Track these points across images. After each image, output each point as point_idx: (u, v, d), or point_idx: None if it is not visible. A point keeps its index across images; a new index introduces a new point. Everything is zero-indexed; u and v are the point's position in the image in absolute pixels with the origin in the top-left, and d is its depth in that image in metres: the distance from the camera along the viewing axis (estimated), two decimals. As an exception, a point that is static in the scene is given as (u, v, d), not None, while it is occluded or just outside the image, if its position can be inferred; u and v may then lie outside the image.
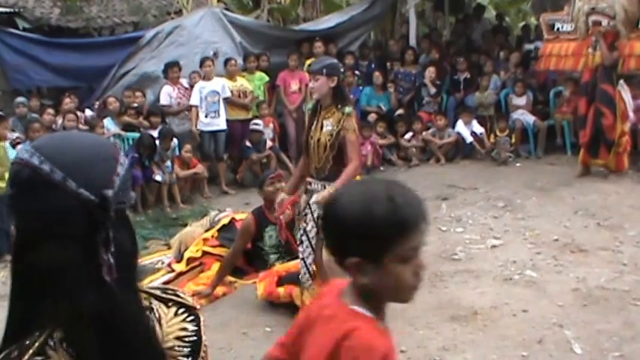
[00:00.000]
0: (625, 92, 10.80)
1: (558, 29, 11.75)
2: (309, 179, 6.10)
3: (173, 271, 7.88)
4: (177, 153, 11.16)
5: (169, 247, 8.59)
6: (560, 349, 5.71)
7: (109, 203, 1.43)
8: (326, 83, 5.86)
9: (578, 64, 11.25)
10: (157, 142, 10.87)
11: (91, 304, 1.39)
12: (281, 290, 6.60)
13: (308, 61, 13.02)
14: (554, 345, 5.77)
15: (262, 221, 7.37)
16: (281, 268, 6.97)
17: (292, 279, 6.59)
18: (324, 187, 5.91)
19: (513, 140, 12.88)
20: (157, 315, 1.56)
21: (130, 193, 1.59)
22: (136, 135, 11.01)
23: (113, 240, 1.43)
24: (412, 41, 15.45)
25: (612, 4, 10.75)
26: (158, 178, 10.51)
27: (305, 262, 6.23)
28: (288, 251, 7.35)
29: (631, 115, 10.91)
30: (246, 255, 7.62)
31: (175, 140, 11.22)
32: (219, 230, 8.00)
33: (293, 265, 6.91)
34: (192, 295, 6.13)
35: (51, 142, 1.51)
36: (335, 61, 6.47)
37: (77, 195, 1.42)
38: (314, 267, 6.20)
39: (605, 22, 10.81)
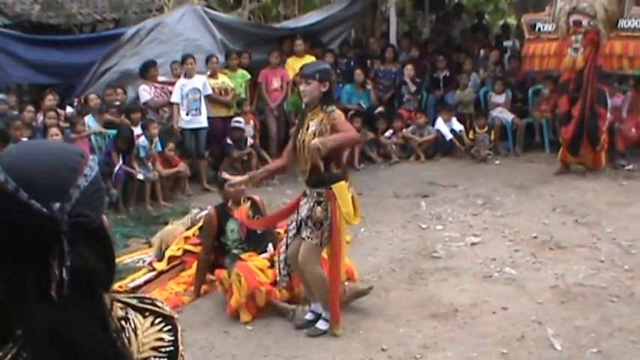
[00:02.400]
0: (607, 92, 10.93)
1: (539, 29, 11.82)
2: (306, 184, 6.14)
3: (154, 269, 7.86)
4: (159, 148, 11.12)
5: (150, 246, 8.56)
6: (540, 345, 5.78)
7: (56, 216, 1.39)
8: (318, 88, 5.89)
9: (560, 63, 11.33)
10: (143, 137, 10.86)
11: (39, 321, 1.37)
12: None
13: (289, 59, 13.05)
14: (533, 342, 5.84)
15: (224, 215, 7.38)
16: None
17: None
18: (310, 192, 5.99)
19: (492, 138, 12.96)
20: (132, 325, 1.54)
21: (101, 207, 1.52)
22: (115, 132, 10.93)
23: (69, 254, 1.39)
24: (392, 39, 15.48)
25: (592, 4, 10.86)
26: (140, 177, 10.48)
27: (281, 256, 6.41)
28: (250, 245, 7.37)
29: (608, 114, 11.01)
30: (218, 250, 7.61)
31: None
32: (200, 228, 8.00)
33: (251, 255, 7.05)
34: (176, 296, 6.15)
35: (12, 151, 1.49)
36: (327, 65, 6.53)
37: (28, 206, 1.38)
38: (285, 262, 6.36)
39: (585, 21, 10.92)
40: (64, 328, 1.38)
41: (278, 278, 6.51)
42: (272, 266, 6.84)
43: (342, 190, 5.95)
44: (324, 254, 6.23)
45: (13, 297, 1.39)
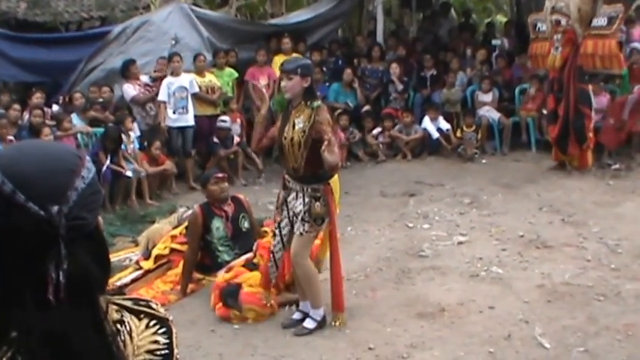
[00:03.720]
0: (590, 91, 10.96)
1: (539, 29, 11.85)
2: (286, 177, 6.14)
3: (141, 268, 7.82)
4: (137, 145, 11.09)
5: (137, 245, 8.53)
6: (527, 345, 5.79)
7: (54, 219, 1.37)
8: (300, 83, 5.88)
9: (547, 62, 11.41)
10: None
11: (35, 324, 1.36)
12: (232, 314, 6.58)
13: (276, 57, 13.02)
14: (520, 341, 5.85)
15: (209, 214, 7.38)
16: (223, 278, 6.94)
17: (233, 292, 6.63)
18: (303, 189, 5.98)
19: (479, 137, 12.98)
20: (128, 328, 1.53)
21: (97, 209, 1.51)
22: (102, 130, 10.89)
23: (67, 258, 1.37)
24: (379, 38, 15.49)
25: (568, 3, 10.90)
26: (129, 174, 10.44)
27: (274, 255, 6.35)
28: (235, 243, 7.39)
29: (593, 114, 11.04)
30: (204, 249, 7.59)
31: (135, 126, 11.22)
32: (187, 227, 7.98)
33: (237, 269, 7.00)
34: (163, 295, 6.14)
35: (8, 152, 1.47)
36: (308, 61, 6.56)
37: (26, 209, 1.37)
38: (281, 261, 6.36)
39: (564, 21, 10.98)
40: (60, 331, 1.37)
41: (272, 275, 6.48)
42: (256, 269, 6.88)
43: (336, 184, 6.03)
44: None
45: (9, 301, 1.37)
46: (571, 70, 10.88)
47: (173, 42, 12.36)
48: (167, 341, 1.57)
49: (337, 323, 6.26)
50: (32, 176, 1.39)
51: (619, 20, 10.76)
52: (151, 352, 1.54)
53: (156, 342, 1.56)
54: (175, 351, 1.58)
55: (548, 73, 11.94)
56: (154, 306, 1.62)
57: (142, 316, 1.58)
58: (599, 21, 10.77)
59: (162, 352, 1.56)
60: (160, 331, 1.57)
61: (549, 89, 11.51)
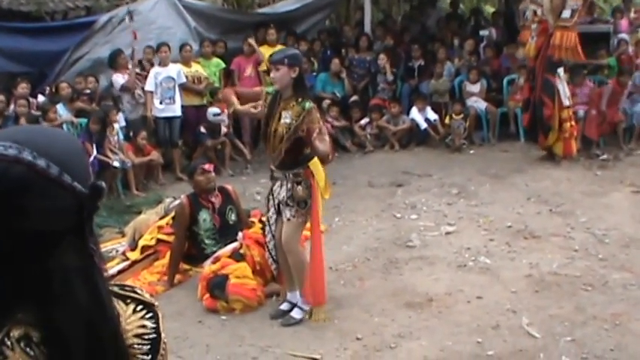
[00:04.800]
0: (561, 81, 10.93)
1: (527, 18, 11.84)
2: (272, 167, 6.14)
3: (127, 259, 7.80)
4: (121, 136, 11.04)
5: (123, 235, 8.47)
6: (514, 334, 5.80)
7: (99, 193, 1.41)
8: (288, 73, 5.86)
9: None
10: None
11: (84, 305, 1.39)
12: (219, 305, 6.56)
13: (262, 48, 12.96)
14: (508, 330, 5.86)
15: (196, 205, 7.36)
16: (210, 269, 6.92)
17: (220, 283, 6.62)
18: (286, 175, 5.98)
19: (467, 126, 12.95)
20: (115, 312, 1.53)
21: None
22: (86, 120, 10.79)
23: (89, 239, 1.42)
24: (367, 28, 15.42)
25: None
26: (116, 164, 10.38)
27: (269, 249, 6.41)
28: (222, 236, 7.37)
29: (566, 101, 11.00)
30: (191, 240, 7.56)
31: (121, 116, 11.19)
32: (173, 218, 7.94)
33: (224, 260, 6.98)
34: (150, 285, 6.12)
35: (30, 135, 1.43)
36: (297, 51, 6.56)
37: (73, 189, 1.38)
38: (275, 251, 6.34)
39: (539, 11, 11.02)
40: (98, 312, 1.41)
41: (272, 267, 6.54)
42: (242, 259, 6.86)
43: (316, 165, 5.97)
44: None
45: (22, 287, 1.38)
46: (542, 61, 10.91)
47: (127, 18, 12.19)
48: (154, 326, 1.58)
49: (320, 317, 6.22)
50: (68, 157, 1.41)
51: (578, 13, 10.77)
52: (139, 336, 1.54)
53: (144, 326, 1.56)
54: (162, 335, 1.59)
55: (510, 64, 12.10)
56: (139, 291, 1.62)
57: (128, 301, 1.58)
58: (565, 13, 10.79)
59: (151, 336, 1.56)
60: (147, 316, 1.58)
61: (527, 78, 11.64)
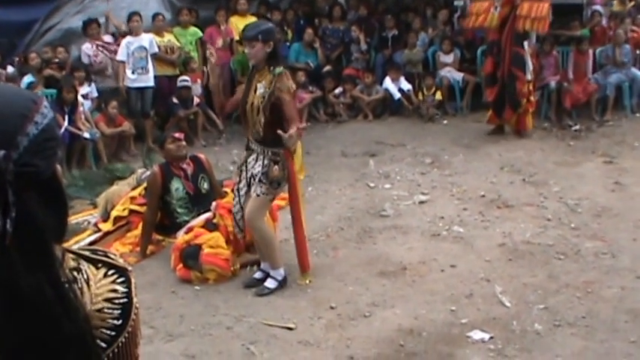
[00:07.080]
0: (526, 54, 10.93)
1: None
2: (250, 137, 6.12)
3: (100, 230, 7.76)
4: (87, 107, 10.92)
5: (95, 207, 8.41)
6: (488, 302, 5.83)
7: (0, 165, 1.29)
8: (262, 49, 5.85)
9: (485, 21, 11.30)
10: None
11: None
12: (193, 275, 6.53)
13: (232, 18, 12.83)
14: (481, 299, 5.89)
15: (168, 174, 7.32)
16: (183, 239, 6.89)
17: (193, 253, 6.60)
18: (264, 151, 5.95)
19: (440, 97, 12.94)
20: (85, 276, 1.50)
21: (53, 157, 1.45)
22: (55, 92, 10.64)
23: (15, 205, 1.29)
24: (340, -3, 15.35)
25: None
26: (86, 135, 10.27)
27: (235, 217, 6.37)
28: (195, 205, 7.34)
29: (528, 75, 11.00)
30: (163, 210, 7.52)
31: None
32: (145, 188, 7.88)
33: (197, 230, 6.93)
34: (122, 257, 6.10)
35: None
36: (270, 25, 6.51)
37: None
38: (242, 222, 6.29)
39: None
40: (9, 279, 1.30)
41: (238, 235, 6.52)
42: (215, 229, 6.83)
43: (297, 148, 5.98)
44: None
45: None
46: (509, 33, 10.86)
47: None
48: (126, 290, 1.55)
49: (307, 281, 6.31)
50: None
51: None
52: (109, 300, 1.51)
53: (114, 290, 1.53)
54: (134, 299, 1.56)
55: (485, 34, 12.05)
56: (112, 256, 1.59)
57: (99, 265, 1.55)
58: None
59: (121, 300, 1.53)
60: (119, 280, 1.55)
61: (488, 52, 11.58)
